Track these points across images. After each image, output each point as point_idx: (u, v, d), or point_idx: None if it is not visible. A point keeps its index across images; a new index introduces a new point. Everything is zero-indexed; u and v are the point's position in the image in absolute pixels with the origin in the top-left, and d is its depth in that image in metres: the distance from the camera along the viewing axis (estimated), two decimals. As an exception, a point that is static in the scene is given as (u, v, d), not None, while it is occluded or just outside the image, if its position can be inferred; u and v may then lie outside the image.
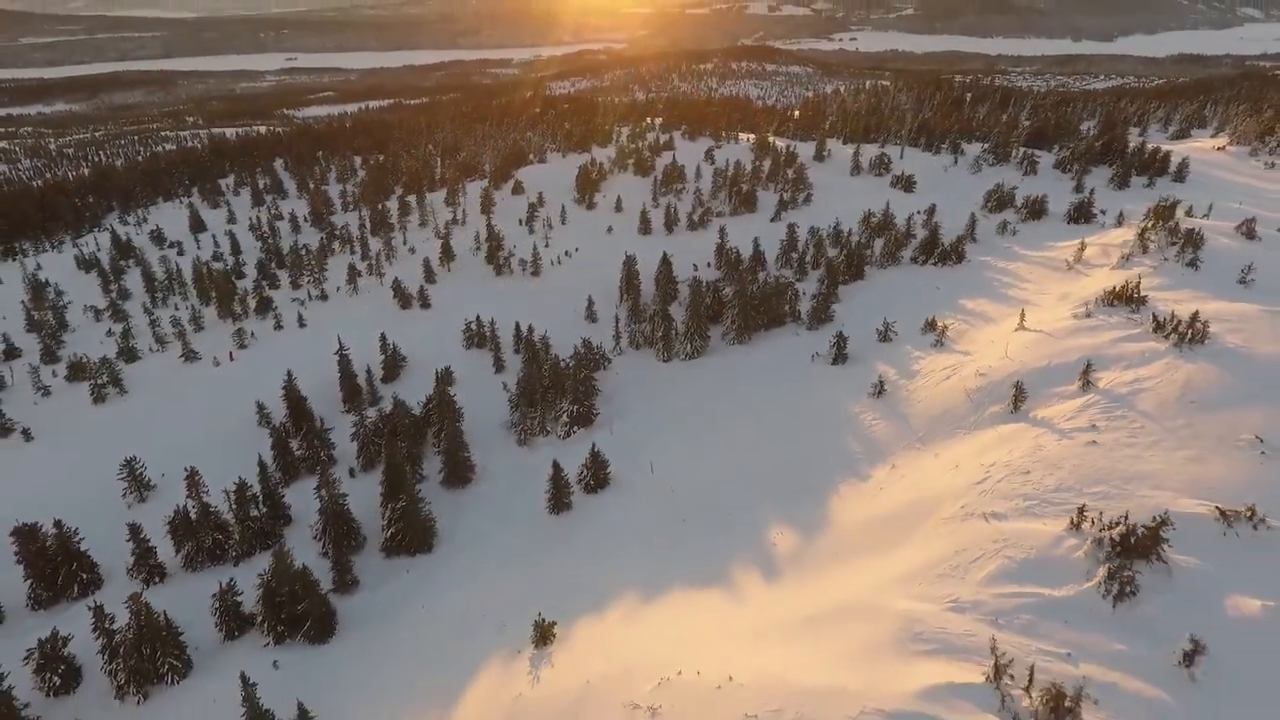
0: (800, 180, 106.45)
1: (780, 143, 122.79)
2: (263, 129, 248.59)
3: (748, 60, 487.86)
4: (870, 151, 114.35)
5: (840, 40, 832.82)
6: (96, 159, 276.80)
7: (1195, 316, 44.95)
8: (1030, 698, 23.74)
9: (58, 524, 52.83)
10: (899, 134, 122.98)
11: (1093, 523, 30.89)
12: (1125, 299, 51.47)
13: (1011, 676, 24.55)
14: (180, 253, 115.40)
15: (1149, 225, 63.72)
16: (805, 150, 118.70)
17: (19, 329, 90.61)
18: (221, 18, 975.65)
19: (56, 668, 45.35)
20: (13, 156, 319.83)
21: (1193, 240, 58.74)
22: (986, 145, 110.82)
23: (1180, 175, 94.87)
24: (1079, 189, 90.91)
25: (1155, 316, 47.04)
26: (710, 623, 34.84)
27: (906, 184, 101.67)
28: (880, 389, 54.36)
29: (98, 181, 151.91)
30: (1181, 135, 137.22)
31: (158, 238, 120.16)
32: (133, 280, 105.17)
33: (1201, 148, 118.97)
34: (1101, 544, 29.83)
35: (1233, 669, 24.91)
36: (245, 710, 37.20)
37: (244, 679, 37.34)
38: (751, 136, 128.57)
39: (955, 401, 48.69)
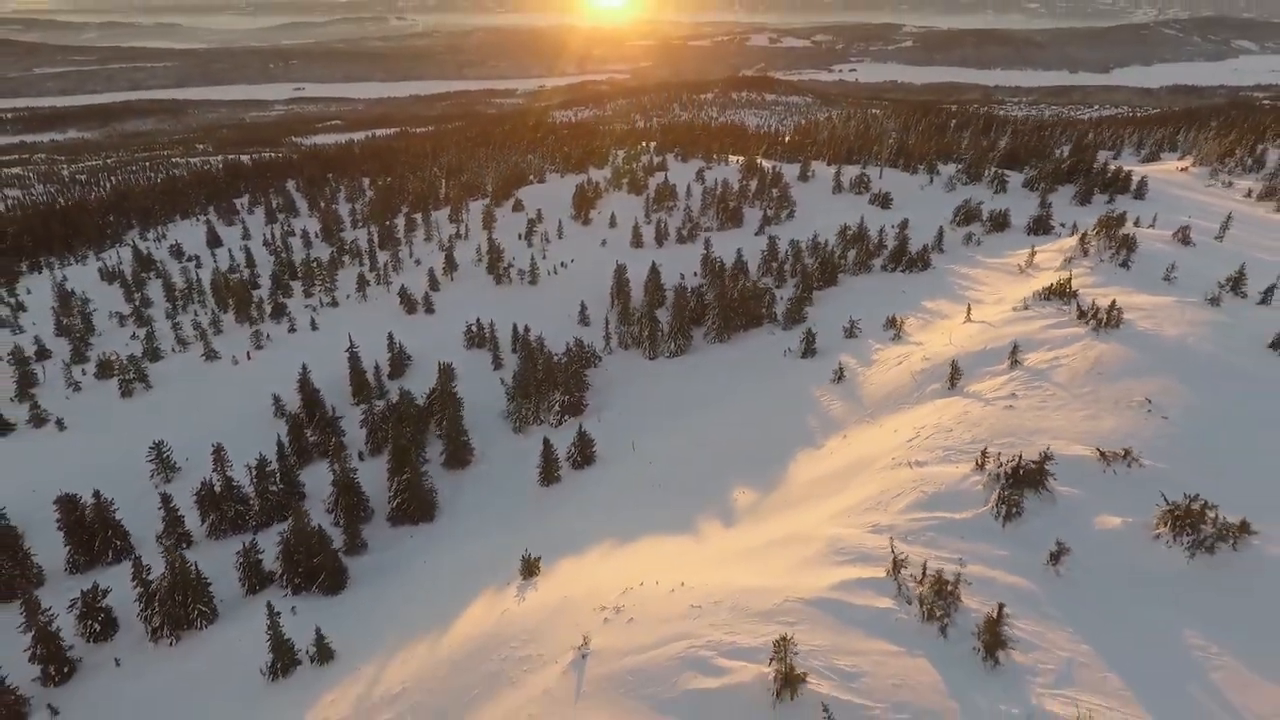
0: (784, 198, 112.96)
1: (767, 164, 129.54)
2: (270, 155, 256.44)
3: (748, 90, 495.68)
4: (851, 172, 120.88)
5: (840, 71, 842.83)
6: (108, 184, 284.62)
7: (1113, 305, 50.87)
8: (921, 585, 29.23)
9: (96, 494, 58.59)
10: (879, 156, 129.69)
11: (994, 462, 36.47)
12: (1059, 294, 57.23)
13: (910, 574, 30.11)
14: (198, 265, 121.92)
15: (1091, 233, 69.64)
16: (790, 171, 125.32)
17: (49, 333, 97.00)
18: (232, 49, 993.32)
19: (97, 616, 50.80)
20: (26, 182, 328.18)
21: (1127, 244, 64.69)
22: (960, 166, 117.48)
23: (1140, 193, 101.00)
24: (1043, 205, 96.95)
25: (1079, 307, 52.89)
26: (674, 556, 40.33)
27: (883, 201, 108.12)
28: (840, 375, 60.11)
29: (118, 201, 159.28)
30: (1152, 158, 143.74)
31: (176, 252, 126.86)
32: (154, 290, 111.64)
33: (1166, 169, 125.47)
34: (998, 478, 35.46)
35: (1089, 566, 30.56)
36: (270, 637, 42.77)
37: (270, 608, 42.97)
38: (740, 158, 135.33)
39: (902, 382, 54.44)
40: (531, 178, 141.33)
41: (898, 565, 30.35)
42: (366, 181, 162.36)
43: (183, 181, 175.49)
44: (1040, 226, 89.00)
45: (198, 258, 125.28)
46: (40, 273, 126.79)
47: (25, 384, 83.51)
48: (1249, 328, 49.12)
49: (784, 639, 25.63)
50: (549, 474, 58.97)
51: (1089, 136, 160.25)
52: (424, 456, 67.57)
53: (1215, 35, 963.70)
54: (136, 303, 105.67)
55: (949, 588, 28.48)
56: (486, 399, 75.50)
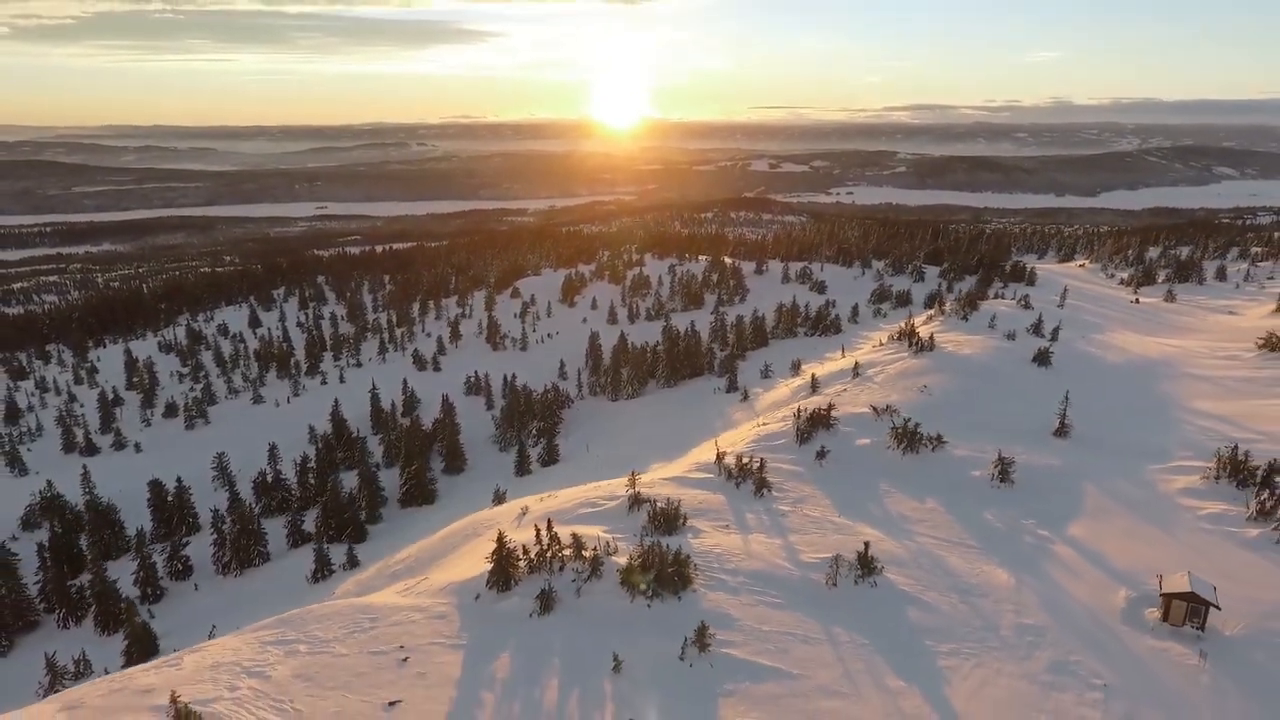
0: (739, 285, 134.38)
1: (730, 261, 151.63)
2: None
3: (746, 210, 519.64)
4: (798, 266, 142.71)
5: (837, 194, 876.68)
6: (144, 289, 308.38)
7: (931, 337, 70.60)
8: (733, 464, 47.74)
9: (178, 479, 77.16)
10: (823, 255, 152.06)
11: (805, 414, 55.27)
12: (906, 335, 76.67)
13: (727, 464, 48.62)
14: (241, 341, 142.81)
15: (951, 302, 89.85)
16: (749, 266, 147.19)
17: (121, 387, 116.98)
18: (260, 171, 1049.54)
19: (180, 560, 68.68)
20: (63, 289, 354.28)
21: (971, 306, 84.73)
22: (887, 261, 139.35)
23: (1031, 280, 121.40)
24: (950, 288, 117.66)
25: (910, 341, 72.44)
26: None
27: (820, 287, 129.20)
28: (745, 397, 79.43)
29: (170, 291, 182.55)
30: (1066, 258, 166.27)
31: (223, 330, 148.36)
32: (205, 360, 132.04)
33: (1069, 266, 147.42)
34: (804, 422, 54.26)
35: (841, 460, 49.20)
36: (314, 552, 60.69)
37: (317, 534, 61.05)
38: (707, 257, 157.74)
39: (784, 395, 73.59)
40: (529, 272, 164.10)
41: (720, 458, 49.13)
42: (387, 277, 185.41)
43: (226, 275, 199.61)
44: (933, 302, 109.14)
45: (240, 334, 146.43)
46: (105, 347, 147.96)
47: (107, 420, 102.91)
48: (1024, 351, 68.50)
49: (633, 474, 44.28)
50: (522, 468, 77.49)
51: (1015, 241, 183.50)
52: (429, 467, 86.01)
53: (1196, 162, 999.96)
54: (192, 366, 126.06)
55: (745, 465, 47.14)
56: (480, 429, 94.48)
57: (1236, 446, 44.38)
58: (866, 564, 34.41)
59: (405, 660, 30.34)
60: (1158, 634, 30.33)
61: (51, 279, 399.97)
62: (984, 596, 33.50)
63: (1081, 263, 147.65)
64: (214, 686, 29.15)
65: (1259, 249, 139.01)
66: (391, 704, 27.36)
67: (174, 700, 25.58)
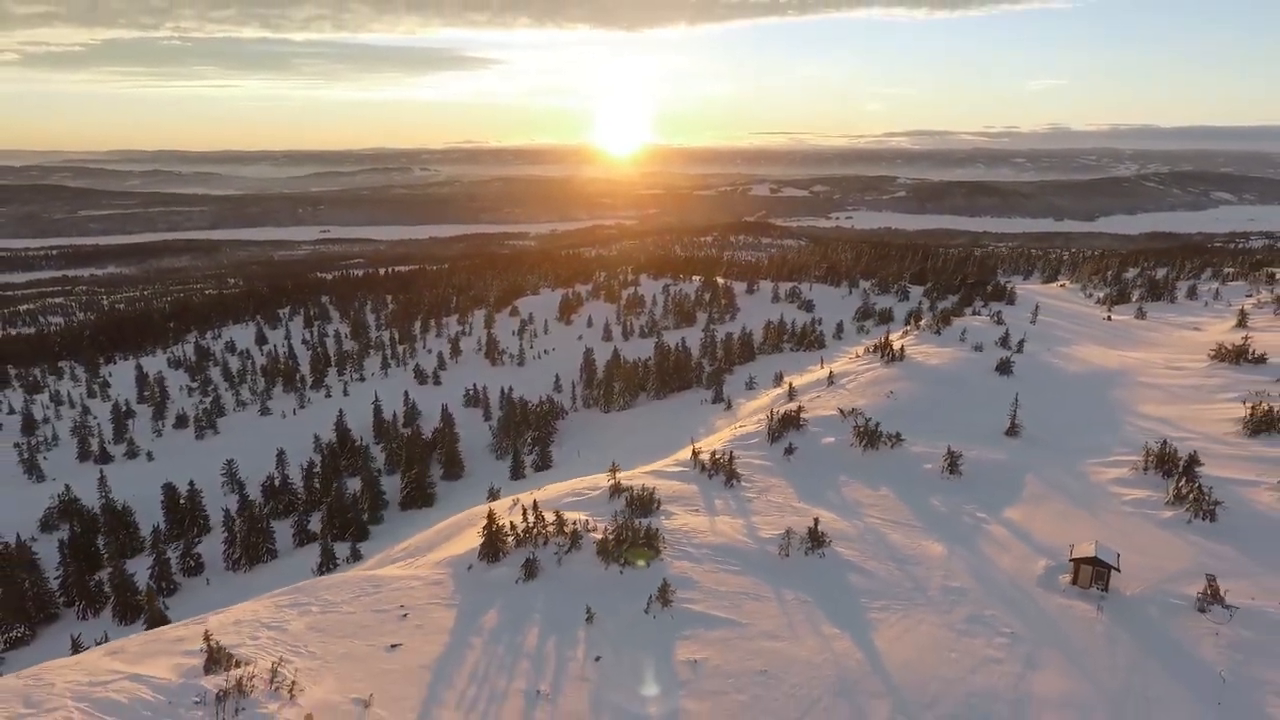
0: (730, 304, 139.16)
1: (723, 281, 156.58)
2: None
3: (745, 234, 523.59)
4: (787, 286, 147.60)
5: (837, 218, 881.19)
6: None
7: (902, 349, 75.09)
8: (709, 460, 52.06)
9: (190, 483, 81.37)
10: (812, 275, 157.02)
11: (777, 416, 59.64)
12: (881, 348, 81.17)
13: (702, 458, 52.94)
14: (248, 357, 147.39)
15: (927, 318, 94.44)
16: (740, 286, 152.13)
17: (133, 401, 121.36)
18: (264, 195, 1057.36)
19: (192, 558, 72.79)
20: (69, 311, 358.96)
21: (944, 321, 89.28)
22: (874, 281, 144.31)
23: (1011, 299, 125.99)
24: (932, 307, 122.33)
25: (882, 353, 76.93)
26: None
27: (807, 306, 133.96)
28: (729, 405, 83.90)
29: (178, 311, 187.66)
30: (1050, 279, 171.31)
31: (230, 347, 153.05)
32: (214, 375, 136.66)
33: (1050, 286, 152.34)
34: (775, 423, 58.63)
35: (808, 457, 53.47)
36: (320, 547, 64.82)
37: (322, 533, 65.17)
38: (700, 277, 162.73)
39: (765, 404, 77.79)
40: (528, 292, 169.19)
41: (696, 455, 53.42)
42: (389, 297, 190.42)
43: (232, 296, 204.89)
44: (913, 319, 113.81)
45: (247, 351, 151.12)
46: (115, 363, 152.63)
47: (120, 431, 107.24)
48: (989, 361, 72.91)
49: (614, 465, 48.52)
50: (517, 472, 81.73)
51: (1002, 263, 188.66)
52: (428, 472, 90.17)
53: (1194, 188, 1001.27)
54: (201, 380, 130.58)
55: (718, 460, 51.45)
56: (478, 439, 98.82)
57: (1165, 441, 48.67)
58: (816, 538, 38.66)
59: (405, 616, 34.65)
60: (1066, 594, 34.53)
61: (57, 301, 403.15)
62: (918, 565, 37.73)
63: (1063, 283, 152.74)
64: (237, 637, 33.39)
65: (1230, 269, 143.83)
66: (393, 646, 31.69)
67: (207, 638, 29.85)
